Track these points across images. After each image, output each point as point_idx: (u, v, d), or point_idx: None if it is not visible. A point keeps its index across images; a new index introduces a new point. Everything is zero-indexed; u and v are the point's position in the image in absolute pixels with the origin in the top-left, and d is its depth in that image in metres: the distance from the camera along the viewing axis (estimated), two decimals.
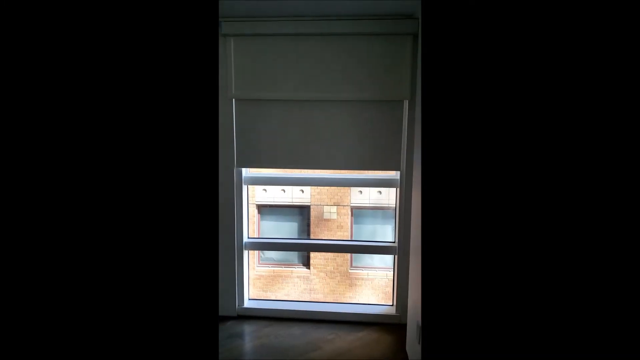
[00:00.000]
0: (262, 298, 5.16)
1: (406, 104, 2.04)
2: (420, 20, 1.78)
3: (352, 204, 6.06)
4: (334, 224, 6.12)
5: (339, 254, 6.06)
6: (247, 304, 2.35)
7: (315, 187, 5.95)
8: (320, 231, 6.12)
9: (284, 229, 6.32)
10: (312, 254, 6.20)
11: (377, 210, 6.11)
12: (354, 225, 6.15)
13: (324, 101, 2.08)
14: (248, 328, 2.19)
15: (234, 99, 2.11)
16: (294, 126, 2.12)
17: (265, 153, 2.16)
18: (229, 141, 2.15)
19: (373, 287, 6.15)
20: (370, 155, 2.12)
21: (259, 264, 6.34)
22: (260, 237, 6.05)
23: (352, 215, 6.11)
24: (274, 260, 6.35)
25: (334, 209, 6.11)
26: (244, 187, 2.26)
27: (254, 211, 6.12)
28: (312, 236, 6.13)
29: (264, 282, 6.28)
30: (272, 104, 2.12)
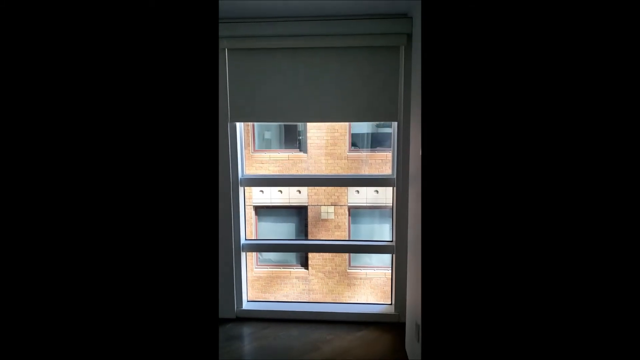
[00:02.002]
0: (260, 299, 5.16)
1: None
2: None
3: (349, 204, 6.07)
4: (332, 224, 6.12)
5: (337, 254, 6.07)
6: (245, 305, 2.34)
7: (312, 187, 5.95)
8: (318, 231, 6.12)
9: (282, 230, 6.32)
10: (310, 255, 6.19)
11: (374, 210, 6.12)
12: (351, 225, 6.15)
13: (319, 48, 2.03)
14: (247, 330, 2.19)
15: (226, 49, 2.07)
16: (288, 78, 2.07)
17: (259, 107, 2.11)
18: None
19: (372, 286, 6.16)
20: (366, 106, 2.07)
21: (257, 265, 6.33)
22: (258, 238, 6.05)
23: (349, 215, 6.12)
24: (272, 262, 6.34)
25: (331, 209, 6.11)
26: (240, 189, 2.25)
27: (251, 213, 6.11)
28: (310, 237, 6.12)
29: (263, 284, 6.26)
30: (265, 54, 2.07)
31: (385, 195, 5.81)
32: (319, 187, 5.95)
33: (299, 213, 6.20)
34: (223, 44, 2.03)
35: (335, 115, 2.11)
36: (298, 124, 6.06)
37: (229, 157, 2.17)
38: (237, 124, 2.19)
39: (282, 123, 5.89)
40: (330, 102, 2.08)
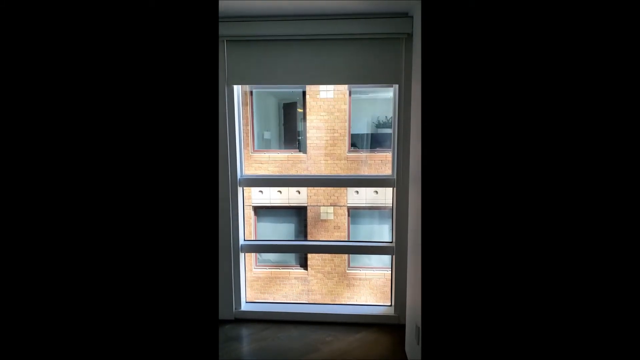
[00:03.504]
0: (259, 300, 5.14)
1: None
2: None
3: (348, 204, 6.06)
4: (331, 224, 6.11)
5: (337, 255, 6.06)
6: (244, 307, 2.33)
7: (312, 187, 5.95)
8: (317, 232, 6.11)
9: (281, 230, 6.31)
10: (310, 255, 6.19)
11: (373, 210, 6.12)
12: (350, 226, 6.15)
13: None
14: (245, 331, 2.17)
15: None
16: (289, 44, 2.03)
17: (258, 69, 2.06)
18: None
19: (371, 286, 6.15)
20: (369, 70, 2.03)
21: (256, 265, 6.32)
22: (257, 239, 6.04)
23: (349, 215, 6.11)
24: (271, 262, 6.34)
25: (330, 209, 6.10)
26: (239, 189, 2.24)
27: (250, 213, 6.10)
28: (309, 237, 6.11)
29: (262, 284, 6.26)
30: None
31: (384, 196, 5.80)
32: (319, 188, 5.95)
33: (298, 213, 6.19)
34: (222, 34, 2.02)
35: (338, 79, 2.07)
36: (298, 123, 6.05)
37: (228, 157, 2.16)
38: (236, 109, 2.16)
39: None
40: (333, 66, 2.04)
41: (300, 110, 6.01)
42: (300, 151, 6.01)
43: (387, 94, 5.82)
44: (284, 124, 6.19)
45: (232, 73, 2.08)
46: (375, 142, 5.96)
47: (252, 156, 5.93)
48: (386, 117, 5.91)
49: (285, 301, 5.55)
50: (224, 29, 1.99)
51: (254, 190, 6.00)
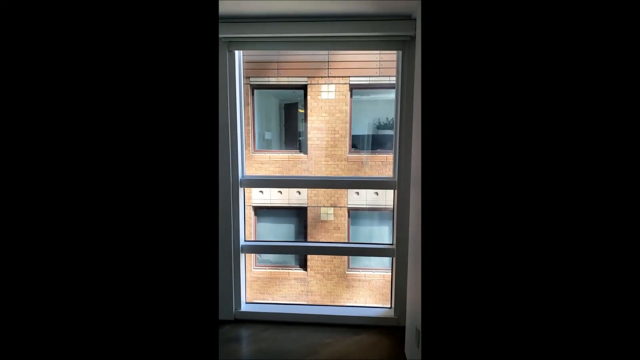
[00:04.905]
0: (259, 301, 5.14)
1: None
2: None
3: (349, 205, 6.06)
4: (331, 225, 6.11)
5: (336, 255, 6.05)
6: (244, 307, 2.32)
7: (312, 188, 5.94)
8: (317, 232, 6.11)
9: (281, 231, 6.30)
10: (309, 256, 6.18)
11: (374, 212, 6.11)
12: (350, 227, 6.14)
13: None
14: (245, 332, 2.17)
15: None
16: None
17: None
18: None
19: (371, 288, 6.14)
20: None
21: (255, 265, 6.31)
22: (257, 239, 6.03)
23: (349, 216, 6.10)
24: (271, 262, 6.33)
25: (330, 210, 6.10)
26: (240, 189, 2.23)
27: (250, 213, 6.10)
28: (309, 238, 6.11)
29: (261, 284, 6.25)
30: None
31: (384, 198, 5.80)
32: (319, 189, 5.94)
33: (299, 214, 6.19)
34: (223, 35, 2.01)
35: (341, 45, 2.06)
36: (299, 124, 6.05)
37: (229, 158, 2.15)
38: (238, 109, 2.15)
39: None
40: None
41: (301, 110, 6.01)
42: (301, 152, 6.01)
43: (389, 95, 5.82)
44: (285, 125, 6.19)
45: (232, 44, 2.06)
46: (376, 143, 5.96)
47: (253, 156, 5.93)
48: (387, 118, 5.91)
49: (285, 302, 5.55)
50: (224, 30, 1.99)
51: (254, 190, 6.00)
